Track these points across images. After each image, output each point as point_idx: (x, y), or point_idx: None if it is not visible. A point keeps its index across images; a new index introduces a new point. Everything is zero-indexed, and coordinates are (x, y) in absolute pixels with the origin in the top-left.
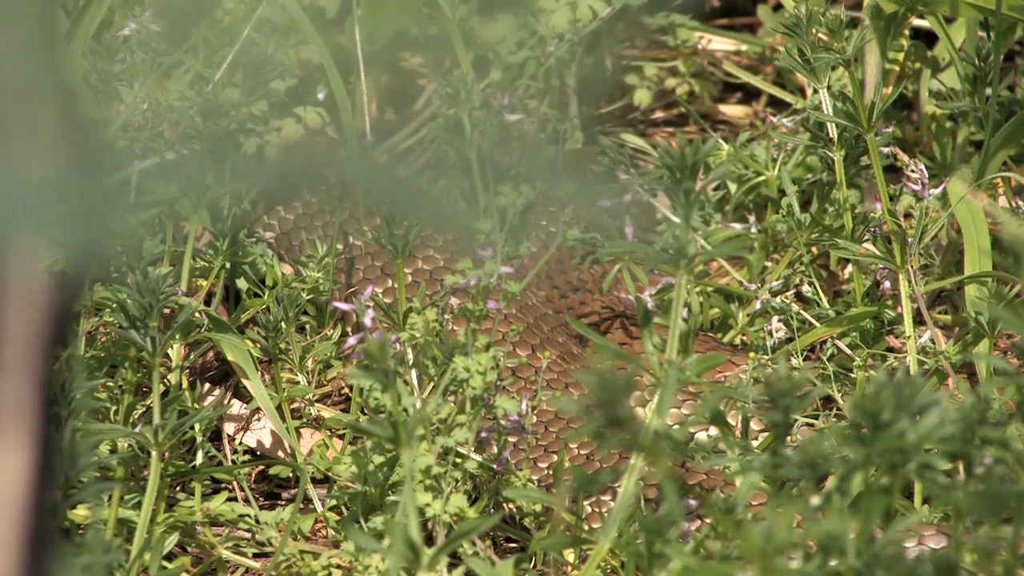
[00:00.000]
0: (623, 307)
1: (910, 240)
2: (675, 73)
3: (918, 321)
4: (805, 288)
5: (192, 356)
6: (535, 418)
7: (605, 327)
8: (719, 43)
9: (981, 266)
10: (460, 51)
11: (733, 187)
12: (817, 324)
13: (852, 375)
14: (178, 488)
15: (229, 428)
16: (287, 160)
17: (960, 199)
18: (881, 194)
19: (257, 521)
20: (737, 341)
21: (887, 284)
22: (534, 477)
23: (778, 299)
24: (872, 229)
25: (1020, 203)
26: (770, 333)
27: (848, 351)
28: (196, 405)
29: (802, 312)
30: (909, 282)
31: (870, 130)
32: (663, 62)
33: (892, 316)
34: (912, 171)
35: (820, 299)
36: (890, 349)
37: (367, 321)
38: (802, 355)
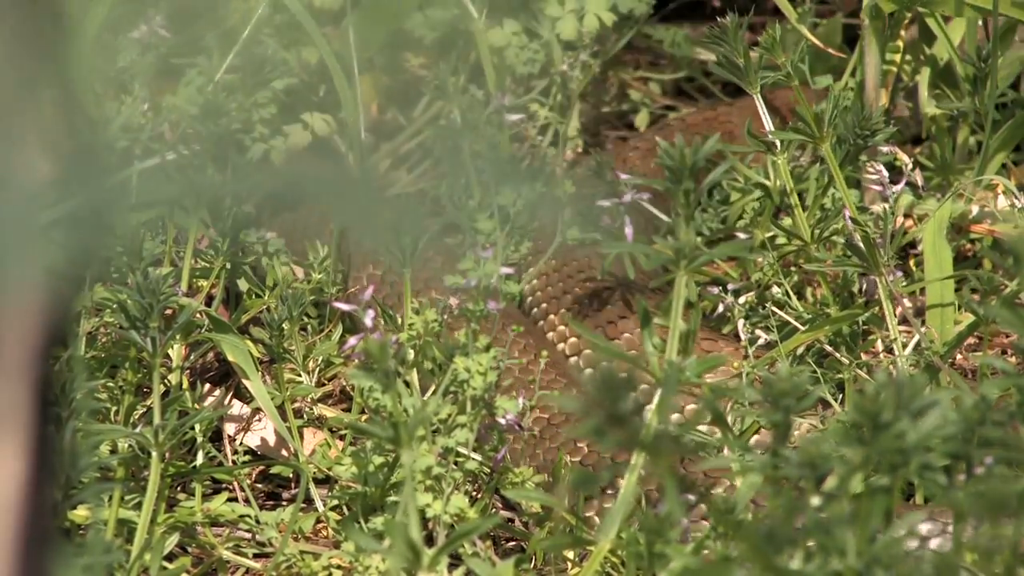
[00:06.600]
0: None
1: (879, 241)
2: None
3: (904, 320)
4: (775, 290)
5: (193, 356)
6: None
7: (607, 297)
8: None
9: (943, 297)
10: (484, 54)
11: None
12: (798, 325)
13: (838, 375)
14: (178, 489)
15: (230, 428)
16: (288, 168)
17: (930, 218)
18: (847, 202)
19: (257, 521)
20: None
21: (865, 287)
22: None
23: (767, 295)
24: (845, 236)
25: (1018, 202)
26: (751, 340)
27: (832, 351)
28: (196, 405)
29: (783, 314)
30: (888, 285)
31: (824, 140)
32: (662, 71)
33: (871, 316)
34: (871, 172)
35: (791, 302)
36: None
37: (367, 321)
38: (787, 356)
